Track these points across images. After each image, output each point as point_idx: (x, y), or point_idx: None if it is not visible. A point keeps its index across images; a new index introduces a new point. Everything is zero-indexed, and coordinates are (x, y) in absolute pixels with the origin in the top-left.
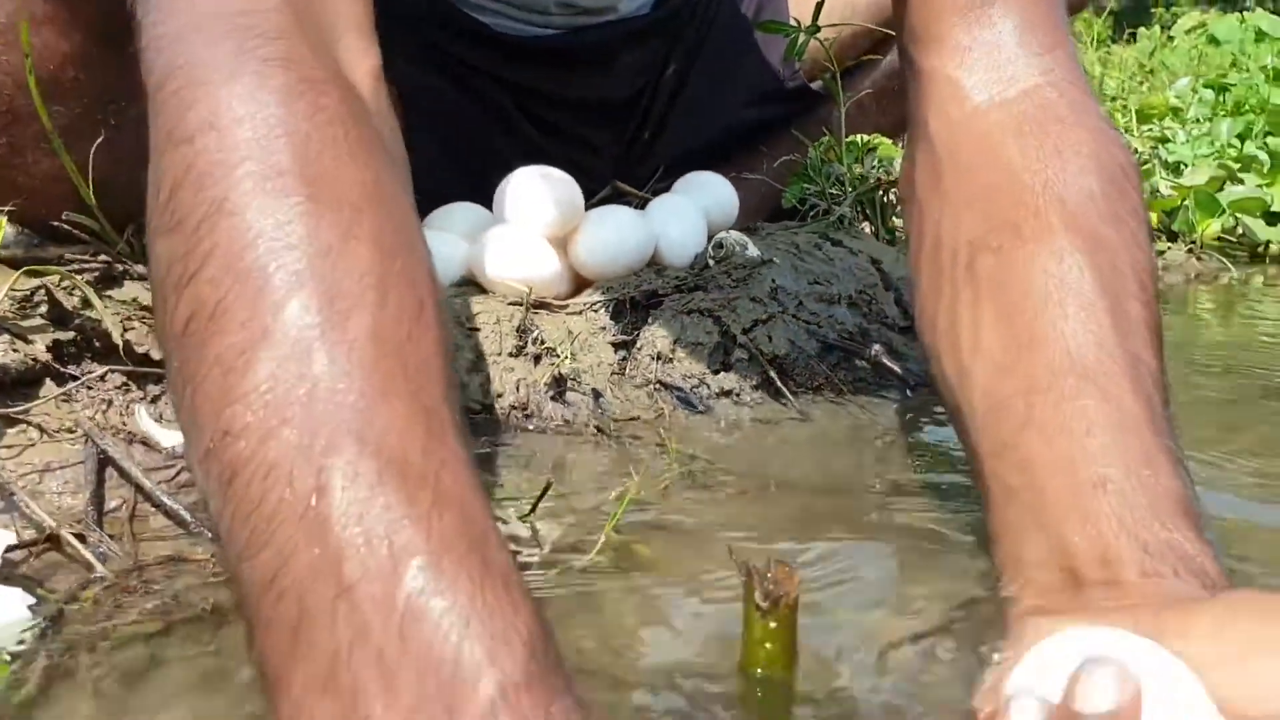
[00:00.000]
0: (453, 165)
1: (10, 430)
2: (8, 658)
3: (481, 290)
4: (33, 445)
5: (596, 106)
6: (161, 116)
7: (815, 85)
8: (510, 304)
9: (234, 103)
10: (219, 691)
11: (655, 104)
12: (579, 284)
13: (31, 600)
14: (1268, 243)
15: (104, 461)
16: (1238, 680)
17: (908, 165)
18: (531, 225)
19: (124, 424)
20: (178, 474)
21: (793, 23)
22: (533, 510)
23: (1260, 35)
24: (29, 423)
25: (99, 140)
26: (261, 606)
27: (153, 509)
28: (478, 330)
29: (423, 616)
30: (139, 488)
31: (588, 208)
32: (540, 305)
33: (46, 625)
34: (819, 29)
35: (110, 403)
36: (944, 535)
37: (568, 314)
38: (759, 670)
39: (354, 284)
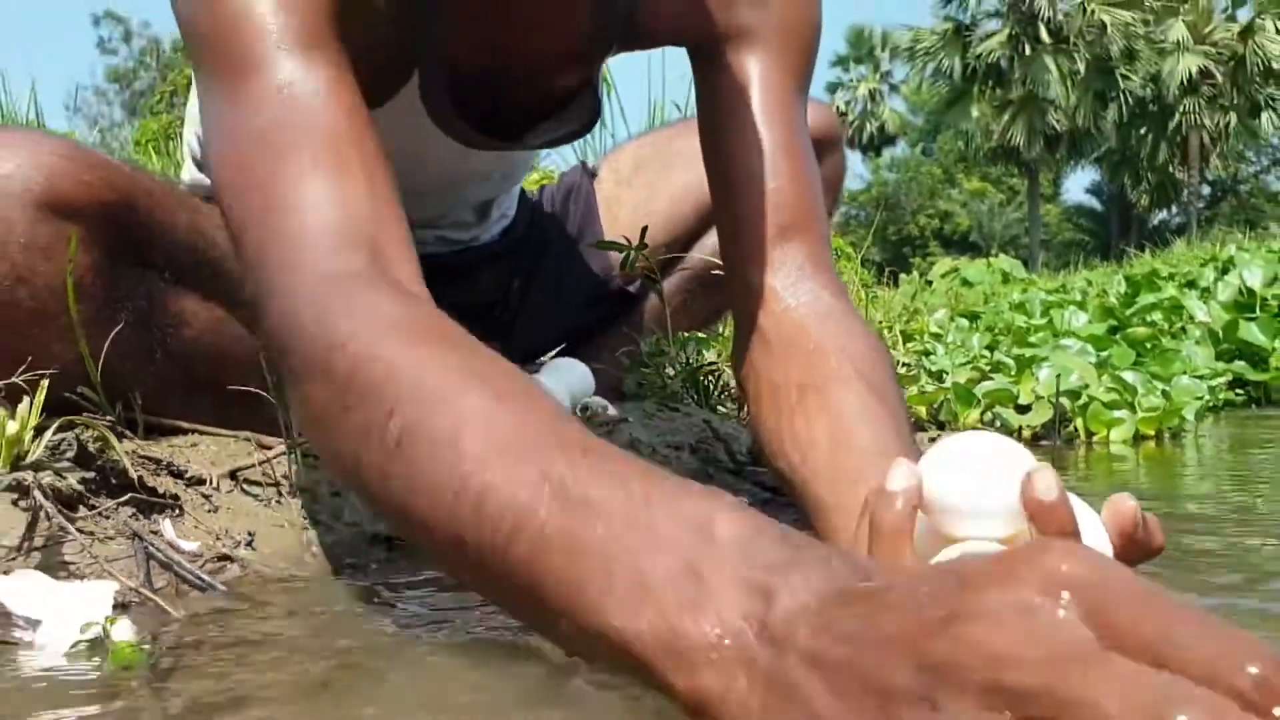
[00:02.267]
0: None
1: (66, 538)
2: (147, 646)
3: None
4: (88, 547)
5: (466, 311)
6: (305, 340)
7: (632, 288)
8: None
9: (370, 315)
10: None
11: (507, 311)
12: None
13: (116, 586)
14: (1020, 428)
15: (148, 555)
16: None
17: (741, 343)
18: None
19: (152, 533)
20: (201, 565)
21: (620, 239)
22: None
23: (1006, 277)
24: (83, 530)
25: (113, 332)
26: (548, 560)
27: (186, 587)
28: None
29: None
30: (178, 572)
31: None
32: None
33: (152, 640)
34: (646, 245)
35: (134, 520)
36: None
37: None
38: None
39: (498, 386)
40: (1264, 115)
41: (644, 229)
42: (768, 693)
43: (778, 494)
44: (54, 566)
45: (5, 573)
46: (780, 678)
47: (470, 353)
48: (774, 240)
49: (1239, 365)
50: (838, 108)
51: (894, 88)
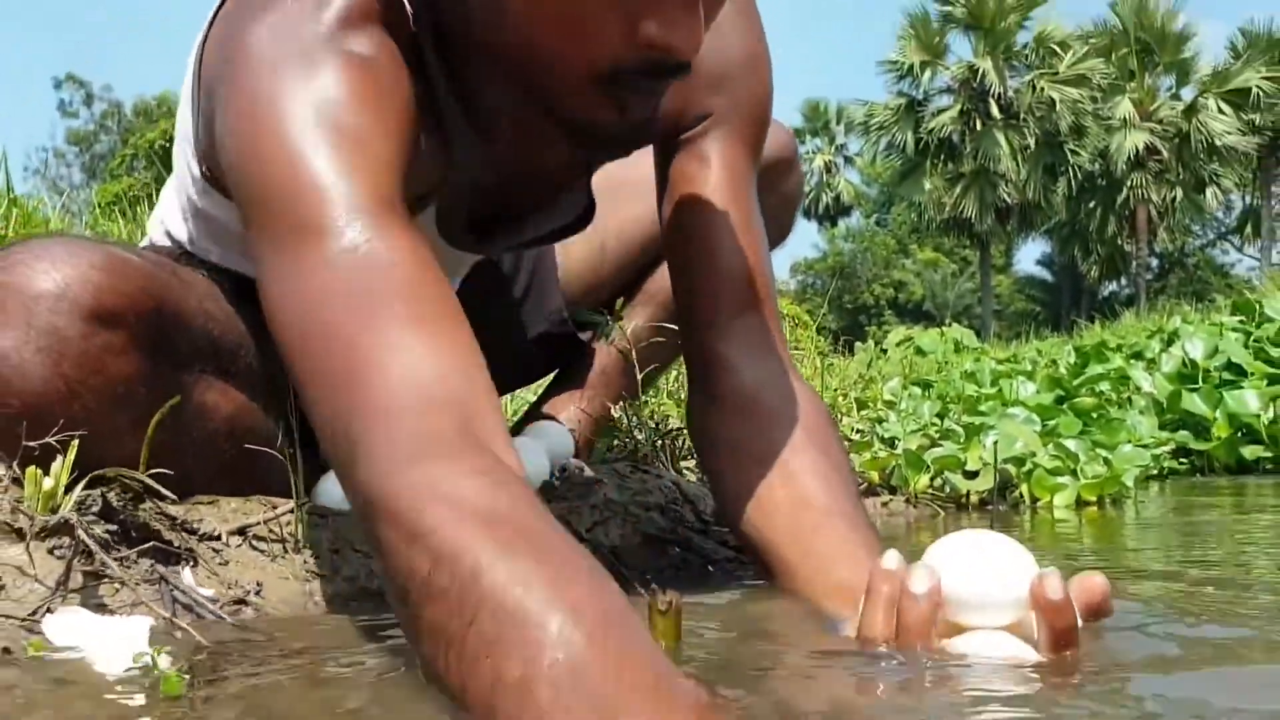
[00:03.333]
0: None
1: (97, 581)
2: (186, 676)
3: None
4: (118, 590)
5: None
6: (400, 524)
7: (584, 336)
8: None
9: (456, 501)
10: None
11: None
12: None
13: (152, 621)
14: (968, 492)
15: (174, 598)
16: None
17: (699, 408)
18: None
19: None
20: (219, 608)
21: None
22: None
23: (959, 346)
24: (111, 577)
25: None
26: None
27: (207, 623)
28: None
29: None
30: (200, 613)
31: None
32: None
33: (187, 666)
34: (621, 317)
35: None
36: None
37: None
38: (661, 641)
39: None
40: (1209, 191)
41: (620, 302)
42: None
43: (740, 553)
44: (89, 607)
45: (50, 610)
46: None
47: (555, 568)
48: (731, 315)
49: (1182, 435)
50: None
51: (849, 160)
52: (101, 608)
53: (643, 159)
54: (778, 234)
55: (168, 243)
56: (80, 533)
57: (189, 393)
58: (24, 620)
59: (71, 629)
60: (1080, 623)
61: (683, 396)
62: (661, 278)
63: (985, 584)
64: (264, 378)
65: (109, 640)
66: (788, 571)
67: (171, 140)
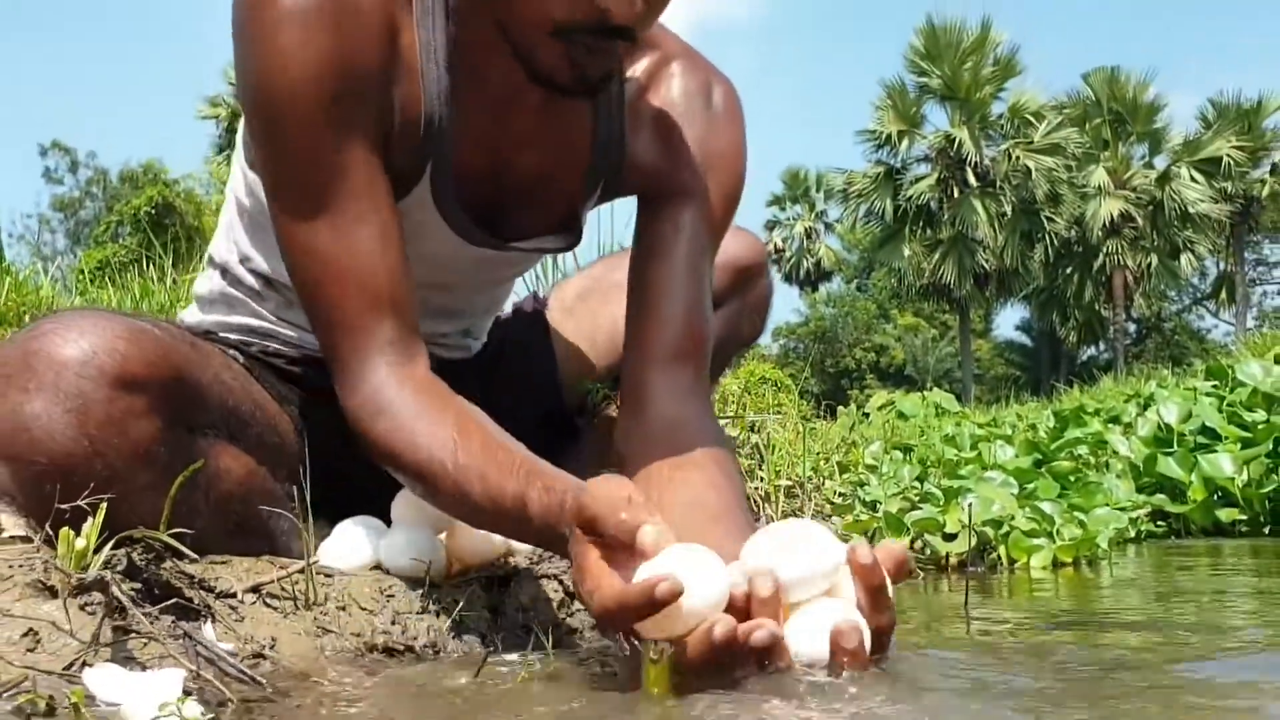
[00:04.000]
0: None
1: (126, 636)
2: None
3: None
4: (146, 645)
5: None
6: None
7: (580, 421)
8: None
9: (393, 414)
10: None
11: None
12: (454, 566)
13: (184, 673)
14: (947, 555)
15: (198, 652)
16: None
17: (629, 429)
18: (421, 527)
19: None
20: (240, 661)
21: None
22: None
23: (940, 410)
24: (140, 632)
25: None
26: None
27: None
28: (392, 596)
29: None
30: (222, 667)
31: None
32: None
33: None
34: (609, 389)
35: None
36: None
37: (455, 584)
38: (654, 690)
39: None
40: (1183, 257)
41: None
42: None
43: None
44: (119, 660)
45: (88, 664)
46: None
47: (455, 413)
48: (669, 359)
49: (1159, 498)
50: (776, 244)
51: (829, 226)
52: (130, 660)
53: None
54: (750, 332)
55: (218, 279)
56: (115, 590)
57: (204, 456)
58: (62, 673)
59: (109, 681)
60: (890, 582)
61: None
62: None
63: (804, 564)
64: (274, 445)
65: (144, 692)
66: None
67: (156, 207)
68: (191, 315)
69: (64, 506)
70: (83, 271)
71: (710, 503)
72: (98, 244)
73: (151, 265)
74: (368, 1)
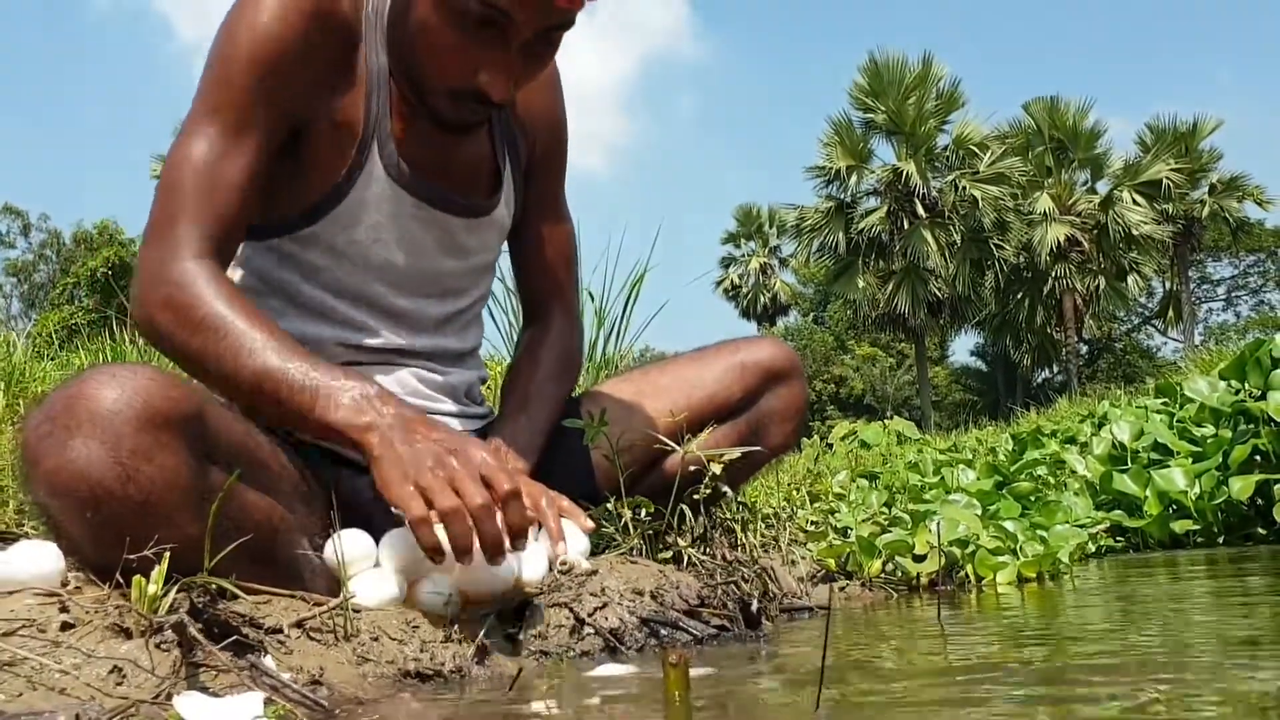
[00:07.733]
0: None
1: (198, 669)
2: None
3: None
4: (217, 676)
5: None
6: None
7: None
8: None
9: (195, 288)
10: None
11: None
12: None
13: (265, 696)
14: (918, 575)
15: (265, 680)
16: None
17: (529, 334)
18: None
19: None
20: (301, 685)
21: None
22: None
23: (901, 438)
24: (211, 666)
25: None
26: (287, 390)
27: (291, 701)
28: (418, 627)
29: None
30: (287, 695)
31: None
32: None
33: None
34: (606, 423)
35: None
36: None
37: (473, 615)
38: (674, 692)
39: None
40: (1130, 278)
41: (602, 410)
42: (384, 432)
43: (723, 630)
44: (196, 690)
45: (172, 694)
46: (387, 431)
47: (240, 303)
48: (554, 288)
49: (1117, 514)
50: (731, 281)
51: (783, 261)
52: (205, 690)
53: (659, 371)
54: (779, 441)
55: None
56: (191, 630)
57: (230, 492)
58: (153, 701)
59: (198, 705)
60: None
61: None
62: (671, 464)
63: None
64: (296, 486)
65: (231, 713)
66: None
67: (113, 267)
68: None
69: (108, 538)
70: (38, 334)
71: (530, 393)
72: (54, 307)
73: (123, 327)
74: (341, 9)
